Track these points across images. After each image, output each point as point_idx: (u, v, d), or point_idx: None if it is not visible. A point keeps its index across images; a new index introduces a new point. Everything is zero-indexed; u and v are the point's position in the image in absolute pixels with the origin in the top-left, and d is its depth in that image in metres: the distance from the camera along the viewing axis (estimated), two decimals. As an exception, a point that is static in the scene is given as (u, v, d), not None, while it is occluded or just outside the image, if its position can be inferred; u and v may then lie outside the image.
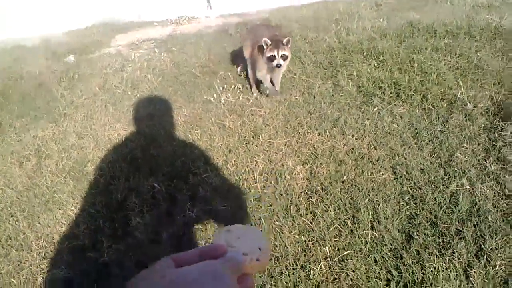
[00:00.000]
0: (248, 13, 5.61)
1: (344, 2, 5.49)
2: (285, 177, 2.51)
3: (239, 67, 3.96)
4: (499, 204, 2.13)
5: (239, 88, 3.61)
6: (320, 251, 2.01)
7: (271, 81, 3.50)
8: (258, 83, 3.57)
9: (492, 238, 1.92)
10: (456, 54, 3.52)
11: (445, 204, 2.16)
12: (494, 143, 2.56)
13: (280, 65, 3.19)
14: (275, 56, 3.16)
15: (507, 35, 3.89)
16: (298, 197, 2.36)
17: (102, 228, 2.37)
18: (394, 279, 1.82)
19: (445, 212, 2.11)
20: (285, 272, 1.93)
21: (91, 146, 3.12)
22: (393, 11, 5.11)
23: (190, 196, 2.48)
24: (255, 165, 2.64)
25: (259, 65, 3.36)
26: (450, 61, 3.43)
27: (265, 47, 3.20)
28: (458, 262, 1.84)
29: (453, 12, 4.68)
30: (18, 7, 6.04)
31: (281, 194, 2.39)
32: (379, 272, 1.87)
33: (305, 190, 2.42)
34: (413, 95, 3.09)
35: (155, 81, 3.92)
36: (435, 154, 2.54)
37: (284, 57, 3.19)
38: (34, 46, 5.11)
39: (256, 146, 2.83)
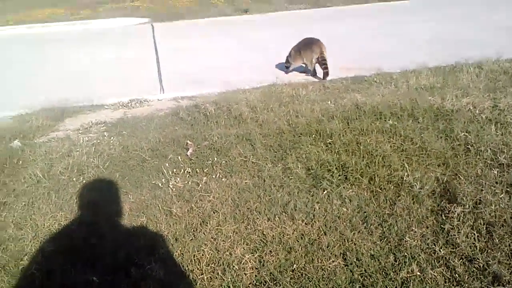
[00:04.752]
0: (198, 96, 5.68)
1: (292, 85, 5.66)
2: (233, 267, 2.40)
3: (189, 150, 3.92)
4: (450, 290, 2.09)
5: (189, 172, 3.54)
6: None
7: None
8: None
9: (445, 329, 1.86)
10: (401, 136, 3.62)
11: (396, 293, 2.10)
12: (442, 226, 2.56)
13: None
14: None
15: (449, 116, 4.06)
16: (246, 290, 2.25)
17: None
18: None
19: (396, 302, 2.05)
20: None
21: (29, 237, 2.93)
22: (340, 93, 5.28)
23: (131, 291, 2.33)
24: (202, 255, 2.53)
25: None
26: (395, 143, 3.51)
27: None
28: None
29: (396, 94, 4.88)
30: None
31: (228, 287, 2.27)
32: None
33: (253, 281, 2.31)
34: (361, 177, 3.12)
35: (102, 166, 3.80)
36: (385, 239, 2.51)
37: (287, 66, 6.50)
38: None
39: (204, 233, 2.73)
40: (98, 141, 4.39)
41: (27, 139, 4.65)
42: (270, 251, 2.51)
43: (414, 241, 2.46)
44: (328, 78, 6.08)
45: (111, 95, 5.93)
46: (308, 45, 6.23)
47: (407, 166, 3.15)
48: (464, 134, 3.61)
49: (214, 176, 3.47)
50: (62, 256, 2.69)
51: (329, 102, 4.81)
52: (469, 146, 3.44)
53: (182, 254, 2.57)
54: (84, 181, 3.61)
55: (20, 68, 8.00)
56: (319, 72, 6.32)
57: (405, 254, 2.37)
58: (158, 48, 8.99)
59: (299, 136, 3.90)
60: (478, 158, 3.27)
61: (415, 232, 2.54)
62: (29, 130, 4.89)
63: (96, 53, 8.94)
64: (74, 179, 3.63)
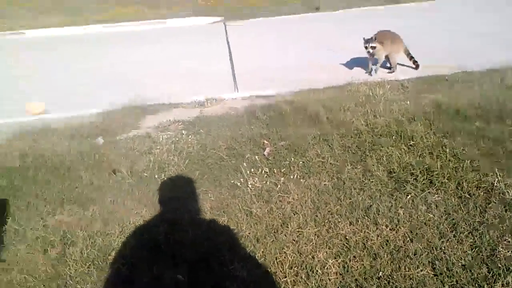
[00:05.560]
0: (272, 94, 5.69)
1: (368, 84, 5.53)
2: (317, 271, 2.38)
3: (266, 150, 3.94)
4: (552, 307, 1.96)
5: (266, 172, 3.56)
6: None
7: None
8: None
9: None
10: (489, 139, 3.44)
11: (492, 307, 2.00)
12: (538, 236, 2.41)
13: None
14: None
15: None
16: (331, 295, 2.22)
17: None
18: None
19: (493, 317, 1.95)
20: None
21: (116, 232, 3.05)
22: (419, 93, 5.10)
23: (216, 290, 2.37)
24: (284, 257, 2.53)
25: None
26: (484, 147, 3.34)
27: None
28: None
29: (481, 95, 4.65)
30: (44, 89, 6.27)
31: (313, 291, 2.26)
32: None
33: (338, 287, 2.28)
34: (447, 182, 2.99)
35: (182, 164, 3.90)
36: (476, 248, 2.39)
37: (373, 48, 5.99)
38: (62, 127, 5.19)
39: (285, 235, 2.73)
40: (177, 139, 4.51)
41: (110, 136, 4.86)
42: (354, 257, 2.46)
43: (508, 251, 2.33)
44: (407, 76, 5.91)
45: (187, 93, 6.08)
46: (397, 38, 6.33)
47: (497, 172, 2.98)
48: (559, 138, 3.38)
49: (292, 177, 3.46)
50: (147, 251, 2.79)
51: (408, 102, 4.66)
52: None
53: (265, 255, 2.58)
54: (165, 178, 3.72)
55: (103, 67, 8.37)
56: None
57: (499, 265, 2.24)
58: (231, 46, 9.10)
59: (379, 137, 3.81)
60: None
61: (509, 242, 2.40)
62: (112, 128, 5.11)
63: (173, 51, 9.20)
64: (155, 176, 3.75)
